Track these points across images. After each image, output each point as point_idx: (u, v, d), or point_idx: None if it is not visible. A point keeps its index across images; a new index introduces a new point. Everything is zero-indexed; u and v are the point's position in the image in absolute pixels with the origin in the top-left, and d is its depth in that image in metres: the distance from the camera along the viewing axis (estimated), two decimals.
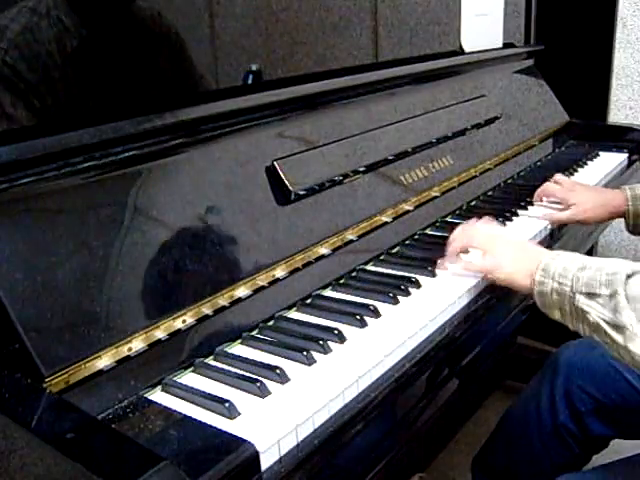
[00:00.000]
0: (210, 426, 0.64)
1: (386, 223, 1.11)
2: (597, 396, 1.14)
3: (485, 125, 1.49)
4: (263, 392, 0.70)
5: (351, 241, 1.04)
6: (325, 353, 0.78)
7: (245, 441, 0.61)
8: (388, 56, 1.30)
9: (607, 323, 0.79)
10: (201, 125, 0.91)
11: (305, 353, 0.77)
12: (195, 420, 0.65)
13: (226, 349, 0.81)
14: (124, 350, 0.72)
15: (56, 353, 0.67)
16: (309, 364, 0.76)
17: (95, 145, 0.78)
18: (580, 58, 1.93)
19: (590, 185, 1.42)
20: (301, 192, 0.98)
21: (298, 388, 0.72)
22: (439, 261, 1.01)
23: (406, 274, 0.99)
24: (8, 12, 0.74)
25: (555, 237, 1.22)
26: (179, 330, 0.78)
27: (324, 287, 0.96)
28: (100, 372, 0.70)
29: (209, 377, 0.75)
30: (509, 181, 1.48)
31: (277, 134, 1.02)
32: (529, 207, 1.31)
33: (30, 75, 0.74)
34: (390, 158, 1.18)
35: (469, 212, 1.29)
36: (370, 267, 1.04)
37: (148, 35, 0.89)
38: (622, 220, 1.29)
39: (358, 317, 0.85)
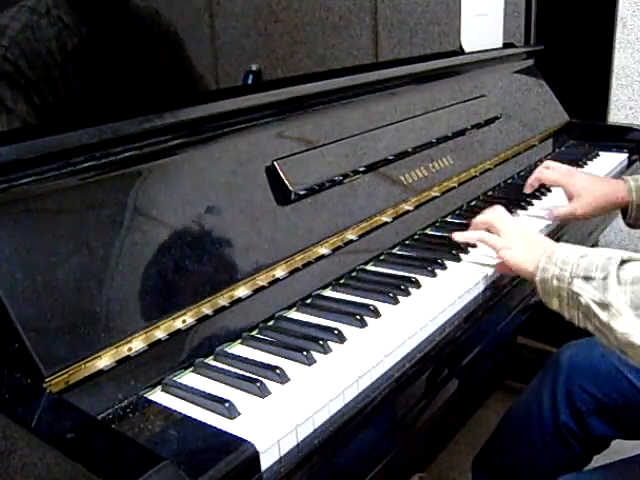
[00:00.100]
0: (210, 426, 0.64)
1: (386, 223, 1.11)
2: (598, 396, 1.14)
3: (485, 125, 1.49)
4: (263, 392, 0.70)
5: (351, 241, 1.04)
6: (325, 353, 0.78)
7: (245, 441, 0.61)
8: (388, 56, 1.30)
9: (596, 303, 0.81)
10: (201, 125, 0.91)
11: (305, 353, 0.77)
12: (195, 420, 0.65)
13: (226, 349, 0.81)
14: (124, 350, 0.72)
15: (56, 353, 0.67)
16: (309, 364, 0.76)
17: (95, 145, 0.78)
18: (580, 58, 1.93)
19: (589, 173, 1.40)
20: (301, 192, 0.98)
21: (298, 388, 0.72)
22: (457, 234, 1.03)
23: (406, 274, 0.99)
24: (8, 11, 0.74)
25: (555, 237, 1.22)
26: (179, 330, 0.78)
27: (324, 287, 0.96)
28: (100, 372, 0.70)
29: (209, 377, 0.75)
30: (509, 181, 1.48)
31: (277, 134, 1.02)
32: (529, 207, 1.31)
33: (31, 73, 0.74)
34: (390, 158, 1.18)
35: (469, 212, 1.29)
36: (370, 267, 1.04)
37: (148, 35, 0.89)
38: (622, 220, 1.28)
39: (358, 317, 0.85)
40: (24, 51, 0.74)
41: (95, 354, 0.70)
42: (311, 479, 0.66)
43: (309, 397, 0.70)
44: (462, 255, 1.05)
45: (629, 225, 1.26)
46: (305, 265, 0.95)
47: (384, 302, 0.91)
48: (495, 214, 1.03)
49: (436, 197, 1.25)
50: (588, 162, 1.64)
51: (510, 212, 1.25)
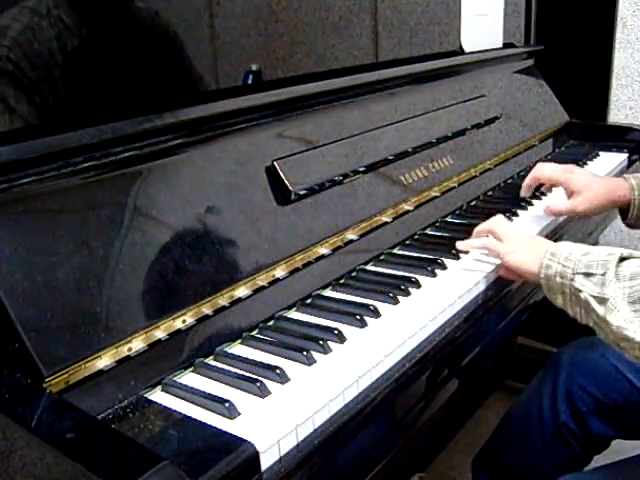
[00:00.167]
0: (210, 426, 0.64)
1: (386, 223, 1.11)
2: (598, 396, 1.14)
3: (485, 125, 1.49)
4: (263, 392, 0.70)
5: (351, 241, 1.04)
6: (325, 353, 0.78)
7: (245, 441, 0.61)
8: (388, 56, 1.30)
9: (594, 298, 0.81)
10: (201, 125, 0.91)
11: (305, 353, 0.77)
12: (195, 420, 0.65)
13: (226, 349, 0.81)
14: (124, 350, 0.72)
15: (56, 353, 0.67)
16: (309, 364, 0.76)
17: (95, 145, 0.78)
18: (580, 58, 1.93)
19: (588, 170, 1.38)
20: (301, 192, 0.98)
21: (298, 388, 0.72)
22: (460, 243, 1.04)
23: (406, 274, 0.99)
24: (9, 12, 0.74)
25: (555, 236, 1.22)
26: (179, 330, 0.78)
27: (324, 287, 0.96)
28: (100, 372, 0.70)
29: (209, 377, 0.75)
30: (509, 181, 1.48)
31: (277, 134, 1.02)
32: (529, 207, 1.31)
33: (32, 73, 0.75)
34: (390, 158, 1.18)
35: (469, 212, 1.29)
36: (370, 267, 1.04)
37: (148, 35, 0.89)
38: (622, 221, 1.27)
39: (358, 317, 0.85)
40: (25, 52, 0.74)
41: (95, 354, 0.70)
42: (311, 479, 0.66)
43: (309, 397, 0.70)
44: (462, 255, 1.05)
45: (629, 226, 1.25)
46: (305, 265, 0.95)
47: (384, 302, 0.91)
48: (495, 221, 1.04)
49: (436, 197, 1.25)
50: (588, 162, 1.64)
51: (510, 212, 1.26)
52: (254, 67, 1.02)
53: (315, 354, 0.78)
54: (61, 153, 0.75)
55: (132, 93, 0.86)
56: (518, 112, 1.66)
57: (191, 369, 0.77)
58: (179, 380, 0.75)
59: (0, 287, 0.66)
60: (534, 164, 1.59)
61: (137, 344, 0.73)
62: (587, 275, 0.83)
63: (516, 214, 1.27)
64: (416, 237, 1.16)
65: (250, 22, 1.01)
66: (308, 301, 0.93)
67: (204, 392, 0.71)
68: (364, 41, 1.24)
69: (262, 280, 0.88)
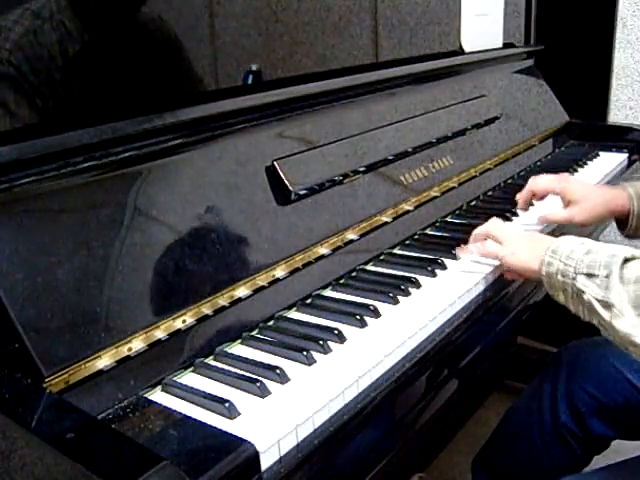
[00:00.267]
0: (210, 426, 0.64)
1: (386, 223, 1.11)
2: (598, 396, 1.14)
3: (485, 125, 1.49)
4: (263, 392, 0.70)
5: (351, 241, 1.04)
6: (325, 353, 0.78)
7: (245, 441, 0.61)
8: (388, 56, 1.30)
9: (598, 301, 0.81)
10: (201, 125, 0.91)
11: (305, 353, 0.77)
12: (195, 420, 0.65)
13: (226, 349, 0.81)
14: (124, 350, 0.72)
15: (56, 353, 0.67)
16: (309, 364, 0.76)
17: (95, 145, 0.78)
18: (580, 58, 1.93)
19: (585, 181, 1.35)
20: (301, 192, 0.98)
21: (298, 388, 0.72)
22: (460, 249, 1.04)
23: (406, 274, 0.99)
24: (12, 14, 0.74)
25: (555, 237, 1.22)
26: (179, 330, 0.78)
27: (324, 287, 0.96)
28: (100, 372, 0.70)
29: (209, 377, 0.75)
30: (509, 181, 1.48)
31: (277, 134, 1.02)
32: (530, 207, 1.31)
33: (33, 76, 0.75)
34: (390, 158, 1.18)
35: (469, 212, 1.29)
36: (370, 267, 1.04)
37: (148, 35, 0.89)
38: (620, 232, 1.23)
39: (358, 317, 0.85)
40: (27, 55, 0.74)
41: (95, 354, 0.70)
42: (311, 479, 0.66)
43: (309, 397, 0.70)
44: (462, 255, 1.05)
45: (627, 236, 1.20)
46: (305, 265, 0.95)
47: (384, 302, 0.91)
48: (492, 224, 1.03)
49: (436, 197, 1.25)
50: (588, 162, 1.63)
51: (510, 212, 1.25)
52: (254, 67, 1.02)
53: (315, 354, 0.78)
54: (61, 153, 0.75)
55: (132, 93, 0.86)
56: (518, 112, 1.66)
57: (191, 369, 0.77)
58: (179, 380, 0.75)
59: (0, 287, 0.66)
60: (534, 164, 1.60)
61: (137, 344, 0.73)
62: (589, 276, 0.83)
63: (516, 214, 1.26)
64: (416, 237, 1.16)
65: (250, 22, 1.01)
66: (308, 301, 0.93)
67: (204, 392, 0.71)
68: (364, 41, 1.24)
69: (262, 280, 0.88)
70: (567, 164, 1.59)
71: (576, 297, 0.85)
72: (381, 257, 1.07)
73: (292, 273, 0.92)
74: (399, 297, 0.92)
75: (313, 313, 0.89)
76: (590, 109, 1.97)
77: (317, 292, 0.95)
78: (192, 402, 0.70)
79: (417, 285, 0.96)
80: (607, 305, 0.80)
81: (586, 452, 1.19)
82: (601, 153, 1.71)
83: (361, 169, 1.11)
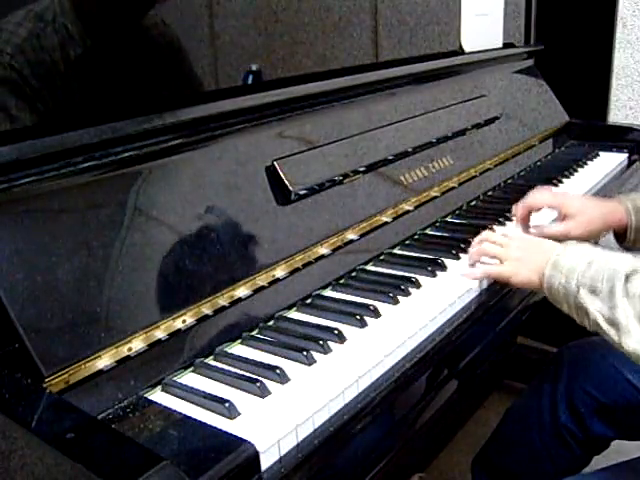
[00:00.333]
0: (210, 426, 0.64)
1: (386, 223, 1.11)
2: (598, 397, 1.14)
3: (485, 125, 1.49)
4: (263, 392, 0.70)
5: (351, 241, 1.04)
6: (325, 353, 0.78)
7: (245, 441, 0.61)
8: (388, 56, 1.30)
9: (604, 318, 0.81)
10: (201, 125, 0.91)
11: (305, 353, 0.77)
12: (195, 420, 0.65)
13: (226, 349, 0.81)
14: (124, 350, 0.72)
15: (56, 353, 0.67)
16: (309, 364, 0.76)
17: (95, 145, 0.78)
18: (580, 58, 1.93)
19: (581, 194, 1.31)
20: (301, 192, 0.98)
21: (298, 388, 0.72)
22: (465, 273, 0.99)
23: (406, 274, 0.99)
24: (16, 16, 0.74)
25: None
26: (179, 330, 0.78)
27: (324, 287, 0.96)
28: (100, 372, 0.70)
29: (209, 377, 0.75)
30: (509, 181, 1.48)
31: (277, 134, 1.02)
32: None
33: (34, 80, 0.75)
34: (390, 158, 1.18)
35: (469, 212, 1.29)
36: (370, 267, 1.04)
37: (148, 35, 0.89)
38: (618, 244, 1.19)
39: (358, 317, 0.85)
40: (29, 59, 0.74)
41: (95, 354, 0.70)
42: (311, 479, 0.66)
43: (309, 397, 0.70)
44: (462, 255, 1.05)
45: (626, 249, 1.16)
46: (305, 265, 0.95)
47: (384, 302, 0.91)
48: (487, 246, 0.99)
49: (436, 197, 1.25)
50: (588, 162, 1.63)
51: (510, 212, 1.25)
52: (254, 67, 1.02)
53: (315, 354, 0.78)
54: (61, 153, 0.75)
55: (133, 93, 0.86)
56: (518, 112, 1.66)
57: (191, 369, 0.77)
58: (179, 380, 0.75)
59: (0, 287, 0.66)
60: (534, 164, 1.60)
61: (137, 344, 0.73)
62: (592, 291, 0.82)
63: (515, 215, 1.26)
64: (416, 237, 1.16)
65: (250, 22, 1.01)
66: (308, 301, 0.93)
67: (204, 392, 0.71)
68: (364, 41, 1.24)
69: (262, 280, 0.88)
70: (567, 164, 1.59)
71: (580, 311, 0.84)
72: (381, 257, 1.07)
73: (292, 273, 0.92)
74: (399, 297, 0.92)
75: (313, 313, 0.89)
76: (590, 109, 1.97)
77: (317, 292, 0.95)
78: (192, 402, 0.70)
79: (417, 285, 0.96)
80: (614, 323, 0.80)
81: (586, 452, 1.19)
82: (601, 153, 1.71)
83: (361, 169, 1.11)
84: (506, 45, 1.74)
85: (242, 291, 0.85)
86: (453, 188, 1.30)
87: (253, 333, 0.85)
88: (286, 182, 0.97)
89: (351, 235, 1.04)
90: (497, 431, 1.30)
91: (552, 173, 1.51)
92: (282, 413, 0.68)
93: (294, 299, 0.91)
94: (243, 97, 0.97)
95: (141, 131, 0.82)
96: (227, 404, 0.67)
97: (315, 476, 0.67)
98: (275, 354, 0.79)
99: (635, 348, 0.78)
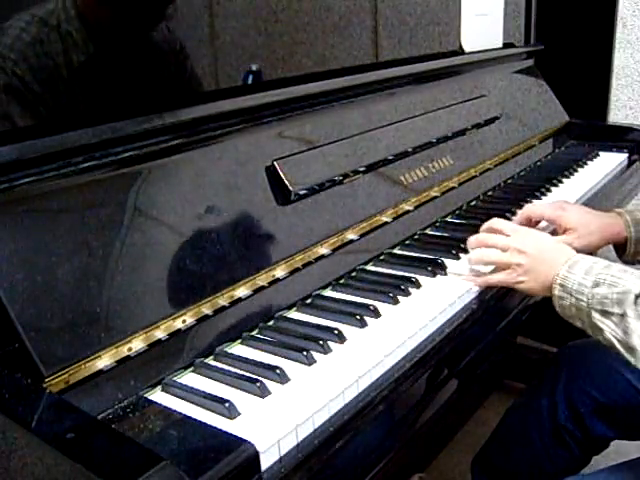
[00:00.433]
0: (210, 426, 0.64)
1: (386, 223, 1.11)
2: (598, 397, 1.14)
3: (485, 125, 1.49)
4: (263, 392, 0.70)
5: (351, 241, 1.04)
6: (325, 353, 0.78)
7: (245, 441, 0.61)
8: (388, 56, 1.30)
9: (619, 342, 0.81)
10: (201, 125, 0.91)
11: (305, 353, 0.77)
12: (195, 420, 0.65)
13: (226, 349, 0.81)
14: (124, 350, 0.72)
15: (56, 353, 0.67)
16: (309, 364, 0.76)
17: (95, 145, 0.78)
18: (580, 58, 1.93)
19: (581, 205, 1.28)
20: (301, 192, 0.98)
21: (298, 388, 0.72)
22: (477, 282, 0.98)
23: (406, 274, 0.99)
24: (19, 20, 0.74)
25: None
26: (179, 330, 0.78)
27: (324, 287, 0.96)
28: (100, 372, 0.70)
29: (209, 377, 0.75)
30: (509, 181, 1.48)
31: (277, 134, 1.02)
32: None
33: (36, 85, 0.75)
34: (390, 158, 1.18)
35: (469, 212, 1.29)
36: (370, 267, 1.04)
37: (149, 36, 0.89)
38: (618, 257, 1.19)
39: (358, 317, 0.85)
40: (31, 64, 0.74)
41: (95, 354, 0.70)
42: (311, 479, 0.66)
43: (309, 397, 0.70)
44: (462, 255, 1.05)
45: (626, 262, 1.14)
46: (305, 265, 0.95)
47: (384, 302, 0.91)
48: (489, 252, 0.98)
49: (436, 197, 1.25)
50: (588, 162, 1.63)
51: (510, 212, 1.25)
52: (254, 67, 1.02)
53: (315, 354, 0.78)
54: (61, 153, 0.75)
55: (133, 93, 0.86)
56: (518, 112, 1.66)
57: (191, 369, 0.77)
58: (179, 380, 0.75)
59: (0, 287, 0.66)
60: (534, 164, 1.60)
61: (137, 344, 0.73)
62: (604, 313, 0.83)
63: (516, 214, 1.26)
64: (416, 237, 1.16)
65: (250, 22, 1.01)
66: (308, 301, 0.93)
67: (204, 392, 0.71)
68: (364, 41, 1.24)
69: (262, 280, 0.88)
70: (567, 164, 1.59)
71: (596, 329, 0.85)
72: (381, 257, 1.07)
73: (292, 273, 0.92)
74: (399, 297, 0.92)
75: (313, 313, 0.89)
76: (590, 109, 1.97)
77: (317, 292, 0.95)
78: (192, 402, 0.70)
79: (417, 285, 0.96)
80: (629, 349, 0.80)
81: (585, 452, 1.19)
82: (601, 153, 1.71)
83: (361, 169, 1.11)
84: (506, 45, 1.74)
85: (242, 291, 0.85)
86: (453, 188, 1.30)
87: (253, 333, 0.85)
88: (286, 182, 0.97)
89: (351, 235, 1.04)
90: (497, 431, 1.30)
91: (552, 173, 1.51)
92: (282, 413, 0.68)
93: (294, 299, 0.91)
94: (243, 97, 0.97)
95: (141, 131, 0.82)
96: (227, 404, 0.67)
97: (315, 476, 0.67)
98: (275, 354, 0.79)
99: None
